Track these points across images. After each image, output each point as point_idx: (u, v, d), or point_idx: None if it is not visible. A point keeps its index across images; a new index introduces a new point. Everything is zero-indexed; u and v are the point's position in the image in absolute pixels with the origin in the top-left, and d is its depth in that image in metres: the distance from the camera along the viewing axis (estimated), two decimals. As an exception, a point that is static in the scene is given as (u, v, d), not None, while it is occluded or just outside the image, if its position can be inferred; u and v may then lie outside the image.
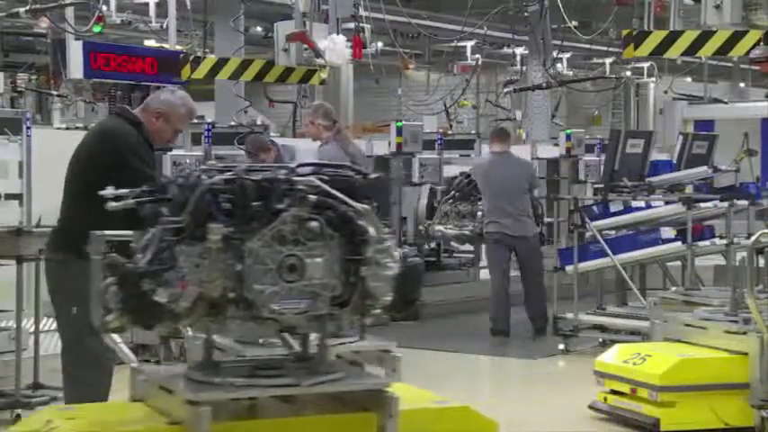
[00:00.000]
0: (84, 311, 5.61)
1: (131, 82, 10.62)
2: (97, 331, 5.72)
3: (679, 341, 7.59)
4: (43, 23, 12.67)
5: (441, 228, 12.46)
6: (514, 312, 11.07)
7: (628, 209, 10.22)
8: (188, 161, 9.93)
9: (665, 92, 22.68)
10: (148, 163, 5.79)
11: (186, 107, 5.98)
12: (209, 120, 12.48)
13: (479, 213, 12.40)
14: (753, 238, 7.23)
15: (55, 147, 9.86)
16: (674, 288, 9.60)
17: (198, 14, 13.83)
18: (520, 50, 21.97)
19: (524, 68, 21.26)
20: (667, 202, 10.13)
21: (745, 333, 7.03)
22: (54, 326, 8.60)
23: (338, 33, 11.71)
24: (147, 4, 16.02)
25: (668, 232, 10.00)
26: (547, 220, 12.37)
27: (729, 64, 25.39)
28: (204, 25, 13.44)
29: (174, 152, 9.92)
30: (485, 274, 13.65)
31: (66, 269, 5.76)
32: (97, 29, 11.63)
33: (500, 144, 11.11)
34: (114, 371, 5.93)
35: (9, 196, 9.00)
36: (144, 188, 4.72)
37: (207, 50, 16.72)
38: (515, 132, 22.47)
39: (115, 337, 5.09)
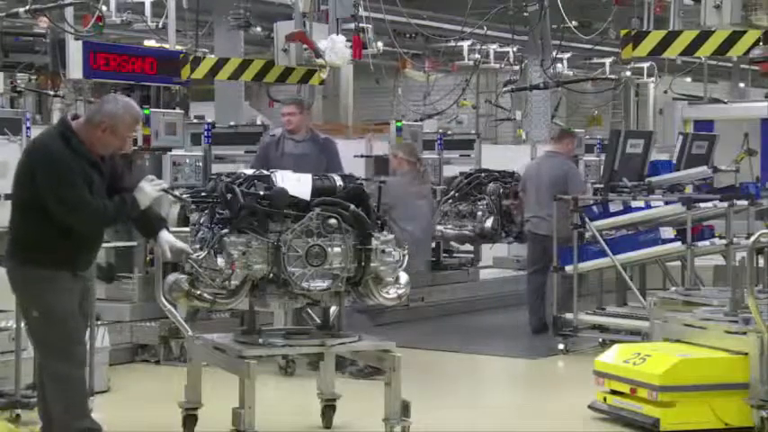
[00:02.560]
0: (47, 311, 5.76)
1: (131, 82, 10.61)
2: (77, 326, 5.76)
3: (679, 341, 7.60)
4: (43, 23, 12.64)
5: (441, 228, 12.46)
6: (518, 311, 11.08)
7: (627, 209, 10.22)
8: (187, 161, 9.92)
9: (665, 92, 22.66)
10: (75, 184, 5.67)
11: (130, 115, 5.90)
12: (208, 120, 12.47)
13: (479, 213, 12.41)
14: (752, 238, 7.23)
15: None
16: (673, 288, 9.60)
17: (195, 14, 13.79)
18: (510, 49, 21.97)
19: (520, 68, 21.23)
20: (667, 202, 10.13)
21: (744, 333, 7.04)
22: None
23: (338, 33, 11.70)
24: (143, 3, 16.01)
25: (668, 232, 9.99)
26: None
27: (729, 64, 25.39)
28: (196, 25, 13.38)
29: (174, 152, 9.92)
30: (484, 274, 13.67)
31: (13, 278, 5.90)
32: (96, 29, 11.61)
33: (552, 144, 11.25)
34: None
35: (9, 196, 8.98)
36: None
37: (206, 50, 16.70)
38: (515, 132, 22.48)
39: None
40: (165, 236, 6.14)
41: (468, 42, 21.38)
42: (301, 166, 7.63)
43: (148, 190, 5.92)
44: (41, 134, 6.05)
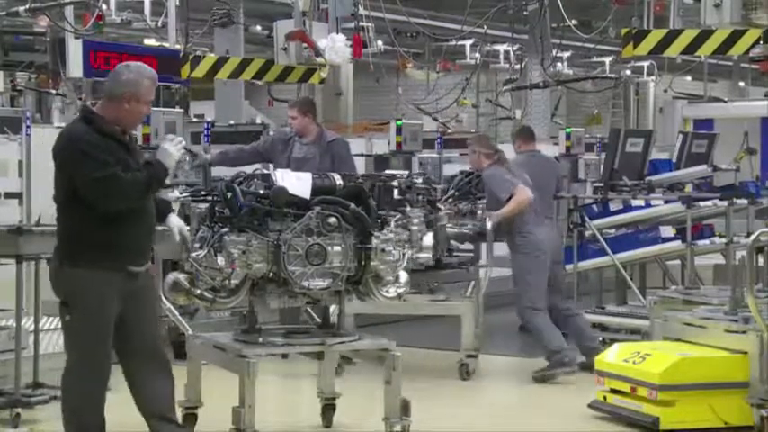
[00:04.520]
0: (75, 318, 5.62)
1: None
2: (105, 339, 5.67)
3: (679, 340, 7.60)
4: (43, 22, 12.66)
5: (440, 227, 12.42)
6: (512, 311, 11.03)
7: (627, 208, 10.22)
8: (188, 159, 9.91)
9: (665, 91, 22.68)
10: (103, 161, 5.48)
11: (147, 77, 5.72)
12: (208, 119, 12.47)
13: (479, 212, 12.38)
14: (752, 236, 7.23)
15: (54, 146, 9.90)
16: (673, 287, 9.61)
17: (195, 13, 13.81)
18: (503, 47, 21.99)
19: (520, 67, 21.25)
20: (667, 201, 10.13)
21: (744, 332, 7.04)
22: (53, 325, 8.64)
23: (338, 32, 11.70)
24: (142, 2, 16.02)
25: (668, 231, 10.00)
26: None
27: (729, 63, 25.38)
28: (186, 24, 13.38)
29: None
30: (484, 273, 13.61)
31: (56, 277, 5.76)
32: (96, 27, 11.64)
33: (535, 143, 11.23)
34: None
35: (9, 195, 9.00)
36: None
37: (206, 49, 16.71)
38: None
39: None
40: (174, 219, 6.06)
41: (471, 42, 21.40)
42: (301, 170, 7.61)
43: (172, 150, 5.75)
44: (63, 128, 5.93)
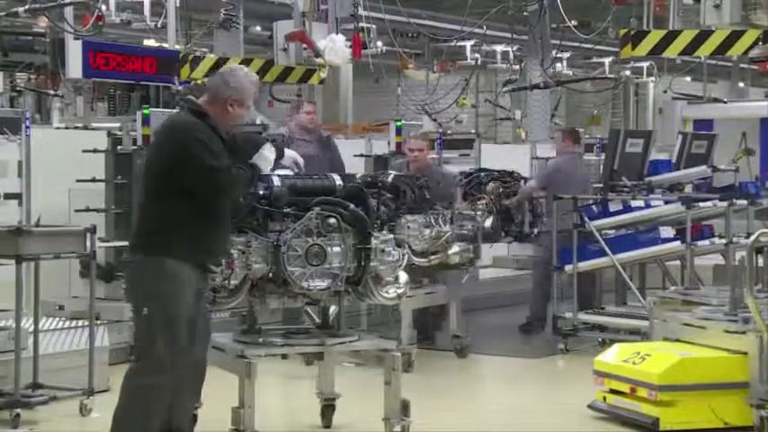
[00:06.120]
0: (157, 312, 5.53)
1: (130, 81, 10.61)
2: (179, 336, 5.59)
3: (678, 340, 7.60)
4: (42, 23, 12.65)
5: (440, 227, 12.42)
6: (517, 311, 11.08)
7: (627, 208, 10.22)
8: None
9: (665, 91, 22.64)
10: (218, 153, 5.55)
11: (253, 83, 5.85)
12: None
13: (478, 212, 12.38)
14: (752, 237, 7.23)
15: (54, 146, 9.91)
16: (673, 287, 9.60)
17: (194, 13, 13.82)
18: (501, 47, 22.01)
19: (519, 67, 21.25)
20: (667, 202, 10.13)
21: (744, 332, 7.04)
22: (53, 325, 8.63)
23: (338, 33, 11.70)
24: (141, 3, 16.01)
25: (667, 232, 9.99)
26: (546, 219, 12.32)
27: (729, 63, 25.38)
28: (188, 24, 13.40)
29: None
30: (484, 273, 13.64)
31: (136, 270, 5.68)
32: (96, 28, 11.63)
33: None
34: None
35: (8, 196, 8.99)
36: None
37: (206, 50, 16.69)
38: (515, 132, 22.49)
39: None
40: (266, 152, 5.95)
41: (471, 42, 21.40)
42: (309, 168, 7.62)
43: (271, 158, 5.86)
44: (171, 118, 5.92)
